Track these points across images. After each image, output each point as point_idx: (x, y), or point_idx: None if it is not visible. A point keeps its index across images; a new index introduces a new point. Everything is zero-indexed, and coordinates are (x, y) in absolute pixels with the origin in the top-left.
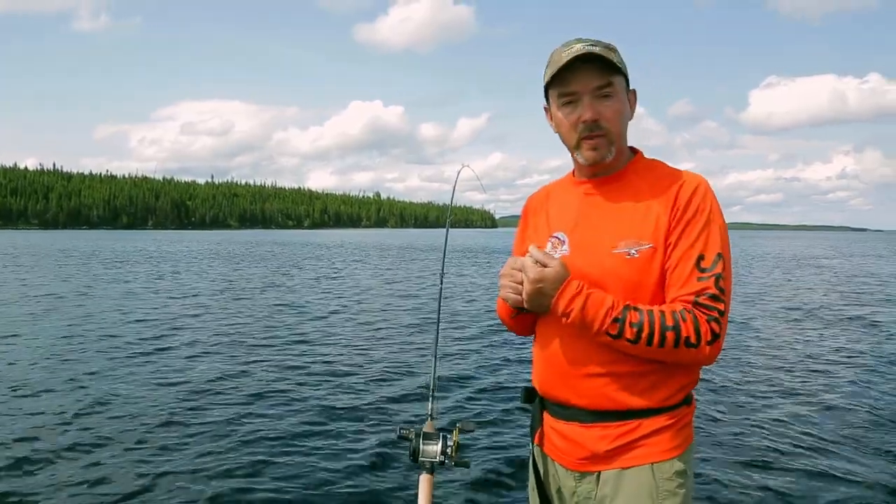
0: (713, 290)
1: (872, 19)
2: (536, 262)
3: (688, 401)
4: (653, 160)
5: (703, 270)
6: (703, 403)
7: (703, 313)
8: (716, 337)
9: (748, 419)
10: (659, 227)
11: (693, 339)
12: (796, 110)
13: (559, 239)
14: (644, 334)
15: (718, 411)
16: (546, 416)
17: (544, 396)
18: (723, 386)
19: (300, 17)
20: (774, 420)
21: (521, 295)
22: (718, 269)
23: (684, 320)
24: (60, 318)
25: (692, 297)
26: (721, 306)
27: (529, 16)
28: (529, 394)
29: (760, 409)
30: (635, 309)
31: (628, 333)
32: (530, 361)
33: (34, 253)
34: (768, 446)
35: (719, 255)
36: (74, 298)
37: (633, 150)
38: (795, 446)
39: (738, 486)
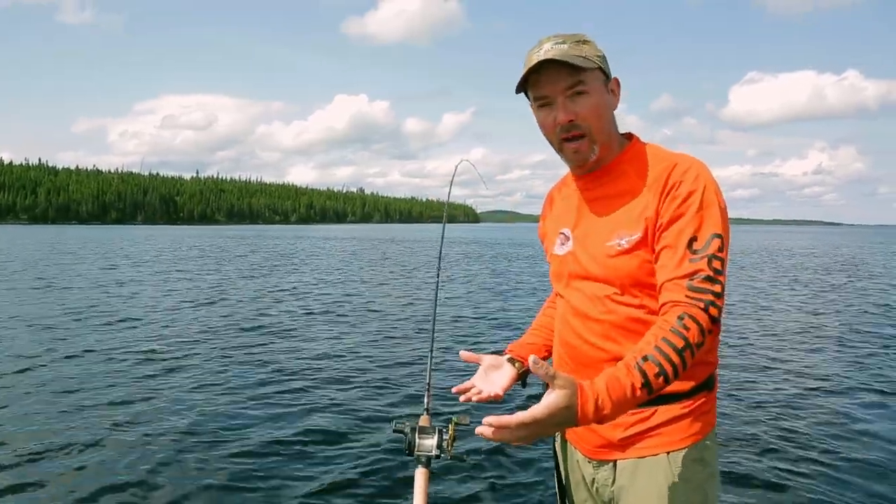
0: (707, 272)
1: (859, 16)
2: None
3: (707, 386)
4: (649, 145)
5: (695, 252)
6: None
7: (699, 299)
8: (714, 321)
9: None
10: (648, 214)
11: (702, 339)
12: (776, 106)
13: (565, 235)
14: (669, 372)
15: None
16: None
17: None
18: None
19: (289, 11)
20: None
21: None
22: (712, 250)
23: (687, 329)
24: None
25: (684, 282)
26: (717, 288)
27: (521, 11)
28: None
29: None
30: (645, 359)
31: (656, 385)
32: None
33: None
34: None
35: (715, 235)
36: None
37: (629, 137)
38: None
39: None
